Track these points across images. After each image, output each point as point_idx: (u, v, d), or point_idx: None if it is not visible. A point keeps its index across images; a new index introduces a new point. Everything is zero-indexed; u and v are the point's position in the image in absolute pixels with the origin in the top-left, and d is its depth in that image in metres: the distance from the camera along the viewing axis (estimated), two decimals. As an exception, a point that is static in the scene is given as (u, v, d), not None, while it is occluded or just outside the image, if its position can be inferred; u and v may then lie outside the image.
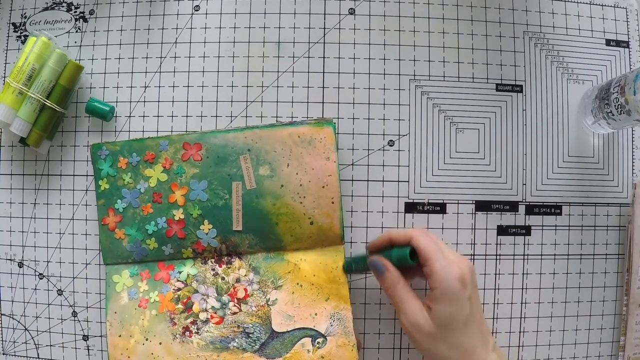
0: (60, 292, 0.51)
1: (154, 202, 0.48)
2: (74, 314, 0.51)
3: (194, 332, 0.47)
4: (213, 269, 0.48)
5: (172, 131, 0.51)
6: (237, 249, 0.48)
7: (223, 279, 0.48)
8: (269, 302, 0.47)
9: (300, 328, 0.46)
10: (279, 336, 0.46)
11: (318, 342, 0.46)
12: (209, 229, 0.48)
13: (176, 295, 0.48)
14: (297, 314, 0.46)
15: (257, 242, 0.48)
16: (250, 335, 0.46)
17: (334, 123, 0.49)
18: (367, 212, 0.50)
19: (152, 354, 0.47)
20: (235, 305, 0.47)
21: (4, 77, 0.52)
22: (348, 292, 0.47)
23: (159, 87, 0.51)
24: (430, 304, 0.40)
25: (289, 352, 0.46)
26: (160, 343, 0.47)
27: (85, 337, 0.51)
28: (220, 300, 0.47)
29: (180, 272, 0.48)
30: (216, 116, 0.51)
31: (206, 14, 0.52)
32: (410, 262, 0.42)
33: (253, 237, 0.48)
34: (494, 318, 0.51)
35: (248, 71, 0.51)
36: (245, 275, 0.48)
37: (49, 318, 0.51)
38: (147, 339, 0.47)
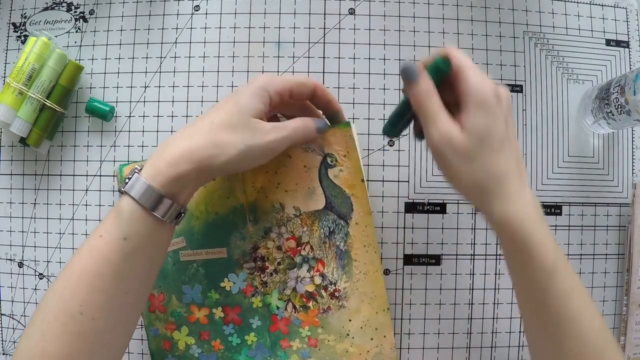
0: (60, 292, 0.51)
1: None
2: (74, 314, 0.51)
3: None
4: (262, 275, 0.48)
5: (172, 131, 0.51)
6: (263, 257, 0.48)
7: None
8: None
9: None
10: None
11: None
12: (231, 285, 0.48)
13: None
14: None
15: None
16: None
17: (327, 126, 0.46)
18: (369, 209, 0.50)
19: None
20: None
21: (4, 77, 0.52)
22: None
23: (159, 87, 0.51)
24: (464, 118, 0.36)
25: None
26: None
27: (85, 337, 0.51)
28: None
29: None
30: (216, 116, 0.51)
31: (206, 14, 0.52)
32: (444, 67, 0.37)
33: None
34: (494, 318, 0.50)
35: (248, 71, 0.51)
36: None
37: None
38: None
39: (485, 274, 0.50)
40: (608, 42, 0.53)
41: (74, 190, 0.51)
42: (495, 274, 0.51)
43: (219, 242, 0.47)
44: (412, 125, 0.43)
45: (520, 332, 0.51)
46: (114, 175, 0.51)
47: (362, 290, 0.47)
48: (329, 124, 0.45)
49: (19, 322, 0.51)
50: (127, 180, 0.37)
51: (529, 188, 0.37)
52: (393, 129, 0.43)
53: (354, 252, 0.47)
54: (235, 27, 0.52)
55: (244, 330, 0.47)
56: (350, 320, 0.47)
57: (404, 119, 0.42)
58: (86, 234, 0.51)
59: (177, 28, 0.52)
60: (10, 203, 0.52)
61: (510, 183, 0.36)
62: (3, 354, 0.51)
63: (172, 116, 0.51)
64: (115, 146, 0.51)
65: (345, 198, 0.47)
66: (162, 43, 0.52)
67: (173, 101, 0.51)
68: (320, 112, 0.46)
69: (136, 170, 0.37)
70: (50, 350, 0.34)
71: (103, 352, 0.36)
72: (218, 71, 0.51)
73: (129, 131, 0.51)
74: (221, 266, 0.47)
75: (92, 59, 0.52)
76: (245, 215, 0.47)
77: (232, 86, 0.51)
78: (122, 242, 0.36)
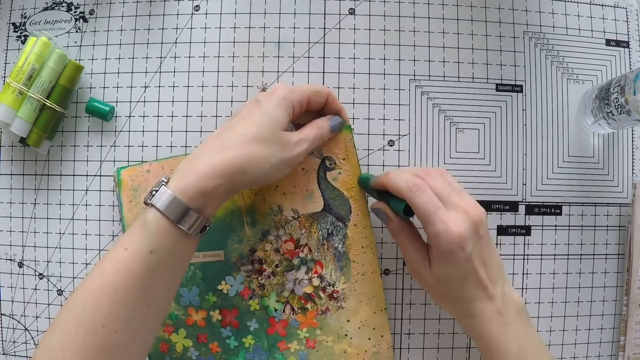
0: (60, 292, 0.51)
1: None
2: (74, 314, 0.51)
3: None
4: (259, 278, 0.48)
5: (172, 131, 0.51)
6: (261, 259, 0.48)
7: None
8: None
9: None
10: None
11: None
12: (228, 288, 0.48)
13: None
14: None
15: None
16: None
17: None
18: (367, 212, 0.50)
19: None
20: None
21: (4, 77, 0.52)
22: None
23: (159, 87, 0.51)
24: (431, 260, 0.41)
25: None
26: None
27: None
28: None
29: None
30: (216, 116, 0.51)
31: (206, 14, 0.52)
32: (405, 217, 0.41)
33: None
34: (494, 318, 0.50)
35: (248, 71, 0.51)
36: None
37: (49, 318, 0.51)
38: None
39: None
40: (608, 42, 0.53)
41: (74, 190, 0.51)
42: (495, 274, 0.51)
43: (216, 245, 0.47)
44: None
45: (520, 332, 0.51)
46: (111, 176, 0.51)
47: (361, 291, 0.47)
48: (341, 120, 0.46)
49: (18, 322, 0.51)
50: (153, 192, 0.37)
51: (497, 299, 0.40)
52: (361, 185, 0.47)
53: (353, 253, 0.47)
54: (235, 27, 0.52)
55: (241, 332, 0.47)
56: (348, 321, 0.47)
57: (367, 189, 0.46)
58: (86, 234, 0.51)
59: (177, 28, 0.52)
60: (10, 203, 0.52)
61: (473, 305, 0.39)
62: (3, 354, 0.51)
63: (172, 116, 0.51)
64: (115, 146, 0.51)
65: (344, 200, 0.47)
66: (162, 43, 0.52)
67: (173, 101, 0.51)
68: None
69: (163, 183, 0.37)
70: None
71: None
72: (218, 71, 0.51)
73: (129, 131, 0.51)
74: (218, 269, 0.47)
75: (92, 59, 0.52)
76: (242, 218, 0.47)
77: (232, 86, 0.51)
78: (148, 255, 0.36)
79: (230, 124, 0.40)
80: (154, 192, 0.37)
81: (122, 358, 0.36)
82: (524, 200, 0.51)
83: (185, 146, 0.51)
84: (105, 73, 0.52)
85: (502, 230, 0.51)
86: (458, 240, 0.38)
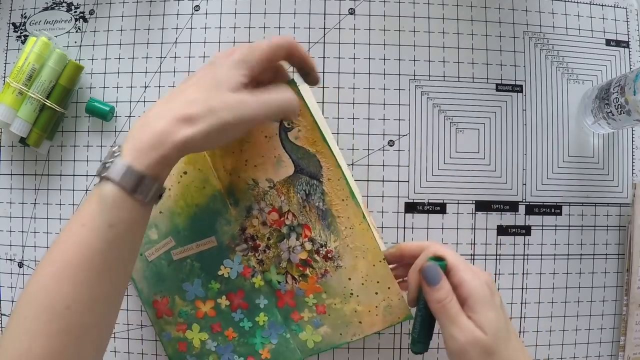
0: (60, 292, 0.51)
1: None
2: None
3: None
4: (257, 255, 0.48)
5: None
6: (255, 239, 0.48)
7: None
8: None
9: None
10: None
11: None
12: (229, 271, 0.48)
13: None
14: None
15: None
16: None
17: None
18: (368, 212, 0.50)
19: None
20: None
21: (4, 77, 0.52)
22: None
23: (159, 87, 0.51)
24: (476, 317, 0.38)
25: None
26: None
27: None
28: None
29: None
30: (216, 116, 0.51)
31: (206, 14, 0.52)
32: (442, 267, 0.40)
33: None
34: (494, 318, 0.50)
35: (248, 71, 0.51)
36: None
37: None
38: None
39: (485, 274, 0.50)
40: (608, 42, 0.53)
41: (74, 190, 0.51)
42: (495, 274, 0.51)
43: (206, 232, 0.47)
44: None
45: (520, 332, 0.51)
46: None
47: (353, 246, 0.46)
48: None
49: (19, 322, 0.51)
50: (107, 164, 0.35)
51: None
52: (425, 345, 0.44)
53: (335, 208, 0.46)
54: (235, 27, 0.52)
55: (252, 312, 0.47)
56: (350, 279, 0.47)
57: (431, 329, 0.44)
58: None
59: (177, 28, 0.52)
60: (10, 203, 0.52)
61: None
62: (3, 354, 0.51)
63: (172, 116, 0.51)
64: (115, 146, 0.51)
65: (311, 157, 0.46)
66: (162, 43, 0.52)
67: (173, 101, 0.51)
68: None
69: (116, 154, 0.35)
70: (36, 349, 0.33)
71: (89, 347, 0.35)
72: (218, 71, 0.51)
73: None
74: (214, 255, 0.47)
75: (92, 59, 0.52)
76: (225, 200, 0.47)
77: (232, 86, 0.51)
78: (108, 229, 0.34)
79: (182, 87, 0.38)
80: (107, 165, 0.35)
81: (89, 341, 0.35)
82: (524, 200, 0.51)
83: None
84: (105, 73, 0.52)
85: (502, 230, 0.51)
86: (488, 284, 0.39)
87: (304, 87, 0.46)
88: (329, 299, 0.47)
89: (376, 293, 0.46)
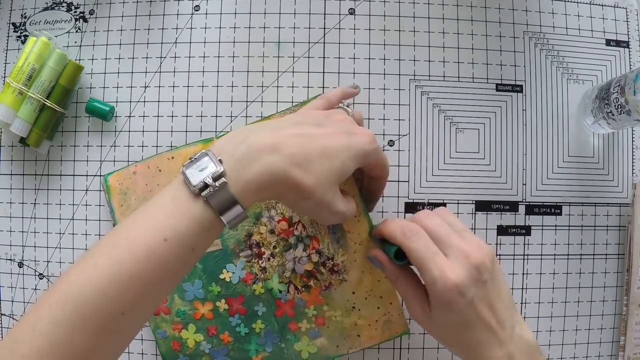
0: (60, 292, 0.51)
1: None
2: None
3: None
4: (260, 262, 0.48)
5: (172, 131, 0.51)
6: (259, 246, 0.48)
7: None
8: None
9: None
10: None
11: None
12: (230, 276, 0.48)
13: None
14: None
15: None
16: None
17: None
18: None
19: None
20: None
21: (4, 77, 0.52)
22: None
23: (159, 87, 0.51)
24: (430, 307, 0.38)
25: None
26: None
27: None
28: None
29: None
30: (216, 116, 0.51)
31: (206, 14, 0.52)
32: (398, 262, 0.40)
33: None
34: (494, 318, 0.50)
35: (248, 71, 0.51)
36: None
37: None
38: None
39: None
40: (608, 42, 0.53)
41: (74, 190, 0.51)
42: (495, 274, 0.51)
43: None
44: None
45: (520, 332, 0.51)
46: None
47: (361, 261, 0.46)
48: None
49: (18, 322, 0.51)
50: (210, 188, 0.33)
51: (508, 342, 0.37)
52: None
53: (346, 224, 0.46)
54: (235, 27, 0.52)
55: (250, 319, 0.47)
56: (353, 293, 0.47)
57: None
58: (86, 234, 0.51)
59: (177, 28, 0.52)
60: (10, 203, 0.52)
61: (481, 350, 0.37)
62: (3, 354, 0.51)
63: (172, 116, 0.51)
64: (115, 146, 0.51)
65: None
66: (162, 43, 0.52)
67: (173, 101, 0.51)
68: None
69: (222, 176, 0.33)
70: (79, 343, 0.31)
71: (126, 343, 0.35)
72: (218, 71, 0.51)
73: (129, 131, 0.51)
74: (218, 258, 0.47)
75: (92, 59, 0.52)
76: None
77: (232, 86, 0.51)
78: (190, 252, 0.33)
79: (308, 127, 0.37)
80: (211, 189, 0.33)
81: (130, 338, 0.35)
82: (524, 200, 0.51)
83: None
84: (105, 73, 0.52)
85: (502, 230, 0.51)
86: (455, 288, 0.36)
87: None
88: (330, 311, 0.47)
89: (378, 307, 0.47)
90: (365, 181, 0.45)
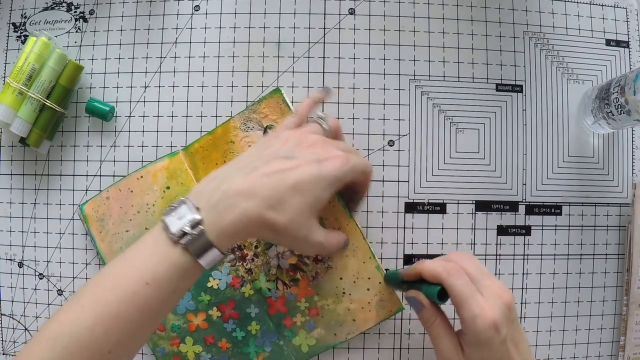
0: (60, 292, 0.51)
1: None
2: (74, 314, 0.51)
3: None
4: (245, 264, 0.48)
5: (172, 131, 0.51)
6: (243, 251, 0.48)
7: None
8: None
9: None
10: None
11: None
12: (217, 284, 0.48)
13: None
14: None
15: None
16: None
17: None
18: (367, 212, 0.50)
19: None
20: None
21: (4, 77, 0.52)
22: None
23: (159, 87, 0.51)
24: (464, 346, 0.39)
25: None
26: None
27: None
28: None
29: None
30: (216, 116, 0.51)
31: (206, 14, 0.52)
32: (439, 302, 0.40)
33: None
34: (494, 318, 0.50)
35: (248, 71, 0.51)
36: None
37: (49, 318, 0.51)
38: None
39: (485, 274, 0.50)
40: (608, 42, 0.53)
41: (74, 190, 0.51)
42: (495, 274, 0.51)
43: None
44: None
45: (520, 332, 0.51)
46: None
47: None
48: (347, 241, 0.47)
49: (18, 322, 0.51)
50: (187, 234, 0.35)
51: None
52: (389, 283, 0.46)
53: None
54: (235, 27, 0.52)
55: (244, 322, 0.48)
56: (341, 279, 0.47)
57: (396, 285, 0.46)
58: (86, 234, 0.51)
59: (177, 28, 0.52)
60: (10, 203, 0.52)
61: None
62: (3, 354, 0.51)
63: (172, 116, 0.51)
64: (115, 146, 0.51)
65: None
66: (162, 43, 0.52)
67: (173, 101, 0.51)
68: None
69: (199, 223, 0.35)
70: None
71: None
72: (218, 71, 0.51)
73: (129, 131, 0.51)
74: None
75: (92, 59, 0.52)
76: None
77: (232, 86, 0.51)
78: (171, 294, 0.36)
79: (284, 171, 0.38)
80: (189, 236, 0.35)
81: None
82: (524, 200, 0.51)
83: (185, 146, 0.51)
84: (105, 73, 0.52)
85: (502, 230, 0.51)
86: (493, 325, 0.36)
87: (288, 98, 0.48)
88: (321, 300, 0.47)
89: (368, 289, 0.47)
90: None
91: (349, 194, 0.47)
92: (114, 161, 0.51)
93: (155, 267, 0.35)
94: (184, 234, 0.35)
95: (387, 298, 0.47)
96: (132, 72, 0.51)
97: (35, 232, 0.51)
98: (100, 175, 0.51)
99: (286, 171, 0.38)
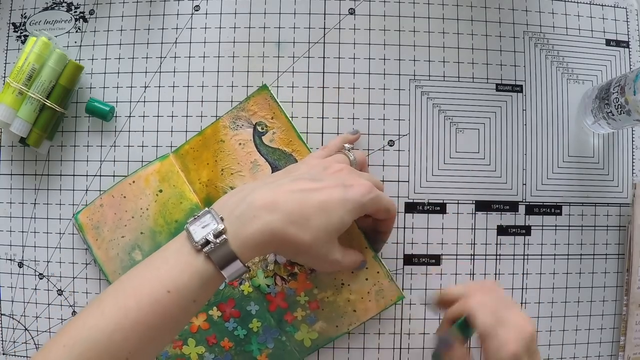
0: (60, 292, 0.51)
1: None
2: (74, 313, 0.51)
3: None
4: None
5: (172, 131, 0.51)
6: None
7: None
8: None
9: None
10: None
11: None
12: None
13: None
14: None
15: None
16: None
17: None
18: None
19: None
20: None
21: (4, 77, 0.52)
22: None
23: (159, 87, 0.51)
24: None
25: None
26: None
27: (85, 337, 0.51)
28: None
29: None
30: (216, 116, 0.51)
31: (206, 14, 0.52)
32: (467, 333, 0.40)
33: None
34: (494, 318, 0.50)
35: (248, 71, 0.51)
36: None
37: (49, 318, 0.51)
38: None
39: (485, 274, 0.50)
40: (608, 42, 0.53)
41: (74, 190, 0.51)
42: (495, 274, 0.51)
43: None
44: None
45: (520, 332, 0.51)
46: (111, 176, 0.51)
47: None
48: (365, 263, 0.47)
49: (18, 322, 0.51)
50: (211, 244, 0.35)
51: None
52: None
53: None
54: (235, 27, 0.52)
55: (245, 319, 0.48)
56: (339, 270, 0.47)
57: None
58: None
59: (177, 28, 0.52)
60: (10, 203, 0.52)
61: None
62: (3, 354, 0.51)
63: (172, 116, 0.51)
64: (115, 146, 0.51)
65: (288, 157, 0.48)
66: (162, 43, 0.52)
67: (173, 101, 0.51)
68: None
69: (223, 233, 0.36)
70: None
71: None
72: (218, 71, 0.51)
73: (129, 131, 0.51)
74: None
75: (92, 59, 0.52)
76: None
77: (232, 86, 0.51)
78: (192, 304, 0.36)
79: (303, 182, 0.39)
80: (212, 246, 0.35)
81: None
82: (524, 200, 0.51)
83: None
84: (105, 73, 0.52)
85: (502, 230, 0.51)
86: (514, 356, 0.37)
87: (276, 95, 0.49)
88: (321, 293, 0.47)
89: (366, 279, 0.47)
90: (371, 220, 0.45)
91: (373, 234, 0.47)
92: (114, 161, 0.51)
93: (178, 275, 0.35)
94: (207, 242, 0.35)
95: (386, 287, 0.47)
96: (132, 72, 0.51)
97: (35, 232, 0.51)
98: (100, 175, 0.51)
99: (312, 191, 0.38)
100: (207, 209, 0.38)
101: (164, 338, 0.36)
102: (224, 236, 0.36)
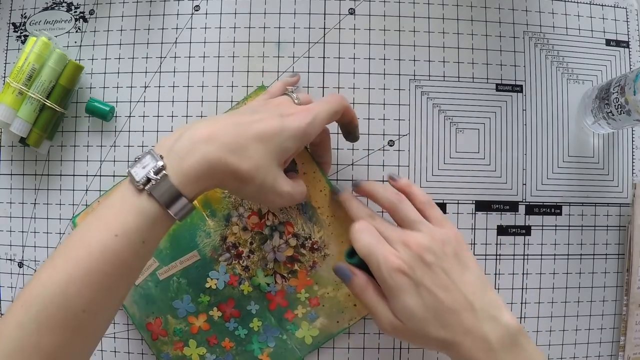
0: (60, 292, 0.51)
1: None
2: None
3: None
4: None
5: (172, 131, 0.51)
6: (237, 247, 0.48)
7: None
8: None
9: None
10: None
11: None
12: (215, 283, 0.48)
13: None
14: None
15: None
16: None
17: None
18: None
19: None
20: None
21: (4, 77, 0.52)
22: None
23: (159, 87, 0.51)
24: (390, 305, 0.39)
25: None
26: None
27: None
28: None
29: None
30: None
31: (206, 14, 0.52)
32: (356, 262, 0.40)
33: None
34: (494, 318, 0.50)
35: (248, 71, 0.51)
36: None
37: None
38: None
39: (485, 274, 0.50)
40: (608, 42, 0.53)
41: (74, 190, 0.51)
42: (495, 274, 0.51)
43: (187, 248, 0.47)
44: None
45: (520, 332, 0.51)
46: (111, 176, 0.51)
47: (338, 233, 0.47)
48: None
49: (19, 322, 0.51)
50: (152, 180, 0.35)
51: (479, 319, 0.38)
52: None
53: (314, 201, 0.47)
54: (235, 27, 0.52)
55: (245, 319, 0.48)
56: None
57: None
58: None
59: (177, 28, 0.52)
60: (10, 203, 0.52)
61: (453, 335, 0.37)
62: (3, 354, 0.51)
63: (172, 116, 0.51)
64: (115, 146, 0.51)
65: None
66: (162, 43, 0.52)
67: (173, 101, 0.51)
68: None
69: (162, 171, 0.35)
70: (45, 343, 0.33)
71: (93, 344, 0.36)
72: (218, 71, 0.51)
73: (129, 131, 0.51)
74: (199, 269, 0.47)
75: (92, 59, 0.52)
76: (201, 213, 0.47)
77: (232, 86, 0.51)
78: (141, 245, 0.35)
79: (241, 116, 0.39)
80: (153, 181, 0.35)
81: (94, 339, 0.36)
82: (524, 200, 0.51)
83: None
84: (105, 73, 0.52)
85: (502, 230, 0.51)
86: (398, 268, 0.38)
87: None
88: (321, 289, 0.47)
89: None
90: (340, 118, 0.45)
91: (344, 129, 0.46)
92: (114, 161, 0.51)
93: (123, 218, 0.35)
94: (148, 180, 0.35)
95: None
96: (132, 72, 0.51)
97: (35, 232, 0.51)
98: (100, 175, 0.51)
99: (250, 122, 0.38)
100: (147, 149, 0.38)
101: (119, 287, 0.36)
102: (164, 172, 0.35)
